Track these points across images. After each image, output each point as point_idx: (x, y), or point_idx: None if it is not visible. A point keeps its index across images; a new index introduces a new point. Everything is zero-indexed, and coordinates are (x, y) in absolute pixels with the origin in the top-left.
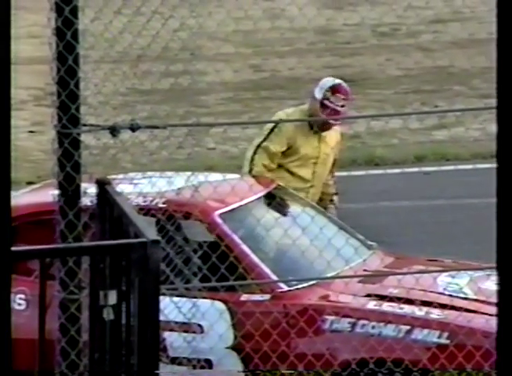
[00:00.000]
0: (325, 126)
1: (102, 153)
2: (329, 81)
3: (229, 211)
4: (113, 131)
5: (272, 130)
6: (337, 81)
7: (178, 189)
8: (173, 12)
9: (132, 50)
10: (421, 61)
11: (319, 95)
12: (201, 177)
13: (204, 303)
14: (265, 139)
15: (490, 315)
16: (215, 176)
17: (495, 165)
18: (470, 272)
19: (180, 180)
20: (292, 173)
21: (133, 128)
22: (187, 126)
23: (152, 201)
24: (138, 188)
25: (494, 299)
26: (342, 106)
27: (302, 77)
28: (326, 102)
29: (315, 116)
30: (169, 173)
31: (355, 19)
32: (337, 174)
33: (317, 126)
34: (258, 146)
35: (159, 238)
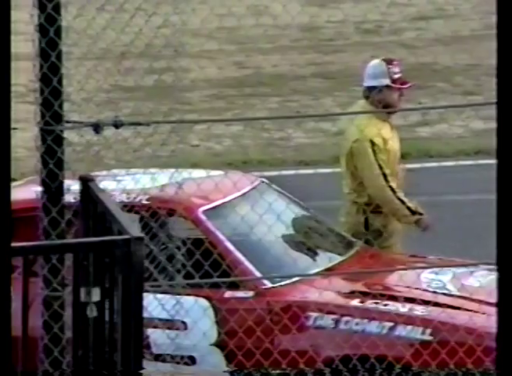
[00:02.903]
0: (396, 105)
1: (86, 150)
2: (377, 64)
3: (213, 207)
4: (97, 128)
5: (373, 151)
6: (380, 59)
7: (162, 186)
8: (156, 9)
9: (115, 47)
10: (405, 58)
11: (383, 79)
12: (185, 174)
13: (188, 300)
14: (380, 167)
15: (473, 311)
16: (199, 173)
17: (478, 162)
18: (453, 269)
19: (164, 177)
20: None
21: (116, 125)
22: (171, 123)
23: (135, 198)
24: (121, 185)
25: (477, 296)
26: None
27: (286, 73)
28: (395, 76)
29: (391, 103)
30: (153, 170)
31: (338, 16)
32: (319, 171)
33: (387, 109)
34: (385, 177)
35: (142, 235)
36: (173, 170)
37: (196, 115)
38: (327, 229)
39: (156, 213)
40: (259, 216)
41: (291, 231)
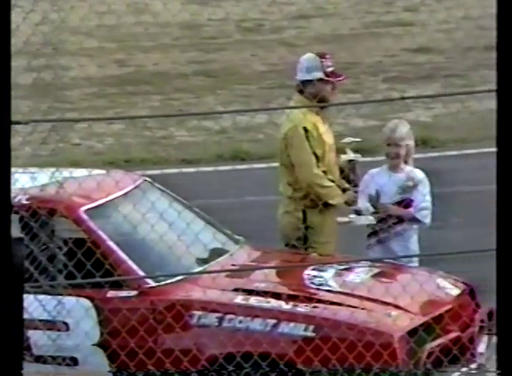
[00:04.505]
0: (329, 98)
1: None
2: (311, 58)
3: (95, 207)
4: None
5: (307, 137)
6: (312, 53)
7: (42, 185)
8: (34, 6)
9: None
10: (285, 56)
11: (317, 73)
12: (66, 173)
13: (70, 300)
14: (314, 153)
15: (354, 307)
16: (80, 172)
17: (361, 160)
18: (335, 266)
19: (44, 176)
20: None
21: None
22: (50, 121)
23: (15, 198)
24: None
25: (358, 292)
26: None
27: (167, 72)
28: (328, 70)
29: (324, 96)
30: (32, 169)
31: (219, 14)
32: (202, 169)
33: (320, 102)
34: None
35: (22, 236)
36: (53, 169)
37: (77, 114)
38: (211, 227)
39: (36, 213)
40: (142, 215)
41: (175, 230)
